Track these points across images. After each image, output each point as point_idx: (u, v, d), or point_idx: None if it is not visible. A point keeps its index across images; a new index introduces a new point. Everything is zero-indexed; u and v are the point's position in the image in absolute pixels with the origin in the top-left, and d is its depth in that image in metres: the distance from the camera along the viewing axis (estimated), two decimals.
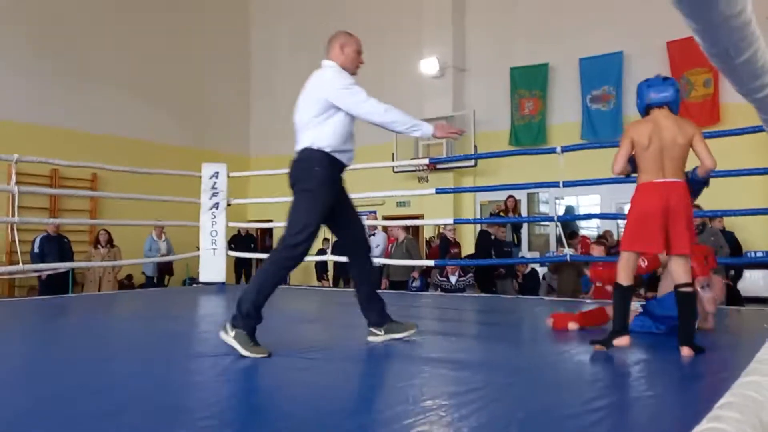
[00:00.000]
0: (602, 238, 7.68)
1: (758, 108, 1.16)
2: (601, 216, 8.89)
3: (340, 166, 3.03)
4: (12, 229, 5.70)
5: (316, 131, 2.97)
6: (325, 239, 8.87)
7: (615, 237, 9.37)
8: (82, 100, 10.78)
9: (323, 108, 2.97)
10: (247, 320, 2.78)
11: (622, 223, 9.99)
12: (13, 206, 5.58)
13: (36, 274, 8.27)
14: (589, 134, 10.02)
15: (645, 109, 3.05)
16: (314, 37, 13.30)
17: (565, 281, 6.68)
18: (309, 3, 13.52)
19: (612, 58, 9.93)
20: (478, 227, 10.82)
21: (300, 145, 3.02)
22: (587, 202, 10.42)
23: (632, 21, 9.51)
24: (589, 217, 8.81)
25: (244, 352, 2.69)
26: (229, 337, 2.75)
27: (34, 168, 8.34)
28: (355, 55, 3.16)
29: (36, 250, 8.07)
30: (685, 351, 2.72)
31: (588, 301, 5.77)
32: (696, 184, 2.89)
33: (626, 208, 10.74)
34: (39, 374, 2.44)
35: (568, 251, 5.76)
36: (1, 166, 7.12)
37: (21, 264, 5.65)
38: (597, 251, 6.81)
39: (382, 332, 3.08)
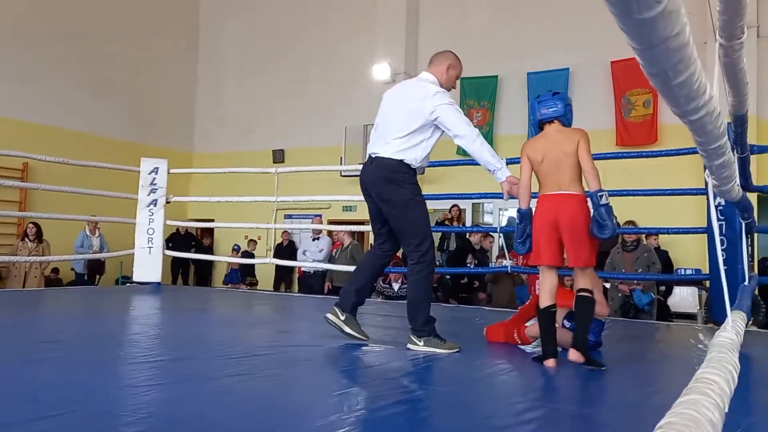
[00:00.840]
0: None
1: (693, 130, 1.18)
2: None
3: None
4: None
5: (408, 146, 3.10)
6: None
7: None
8: (16, 86, 10.26)
9: (422, 123, 3.08)
10: (429, 326, 3.06)
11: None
12: None
13: None
14: None
15: (538, 125, 3.09)
16: (264, 36, 13.21)
17: (502, 292, 6.78)
18: (262, 5, 13.34)
19: (558, 74, 10.19)
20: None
21: (385, 153, 3.11)
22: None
23: (579, 39, 9.80)
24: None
25: (443, 352, 2.96)
26: (422, 347, 3.01)
27: None
28: (454, 80, 3.31)
29: None
30: (572, 355, 2.72)
31: None
32: (596, 208, 2.77)
33: None
34: None
35: (508, 262, 5.84)
36: None
37: None
38: None
39: (343, 318, 3.18)
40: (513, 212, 10.92)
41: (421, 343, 3.03)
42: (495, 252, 9.47)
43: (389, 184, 3.09)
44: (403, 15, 11.39)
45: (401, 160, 3.09)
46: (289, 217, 11.98)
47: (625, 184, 6.38)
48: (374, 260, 3.36)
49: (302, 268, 9.43)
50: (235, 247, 11.41)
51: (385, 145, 3.13)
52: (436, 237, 10.39)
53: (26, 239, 8.59)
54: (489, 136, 10.74)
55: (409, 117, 3.11)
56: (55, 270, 9.63)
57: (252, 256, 10.74)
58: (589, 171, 2.82)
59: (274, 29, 12.99)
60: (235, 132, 12.96)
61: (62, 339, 3.29)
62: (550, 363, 2.75)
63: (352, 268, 7.57)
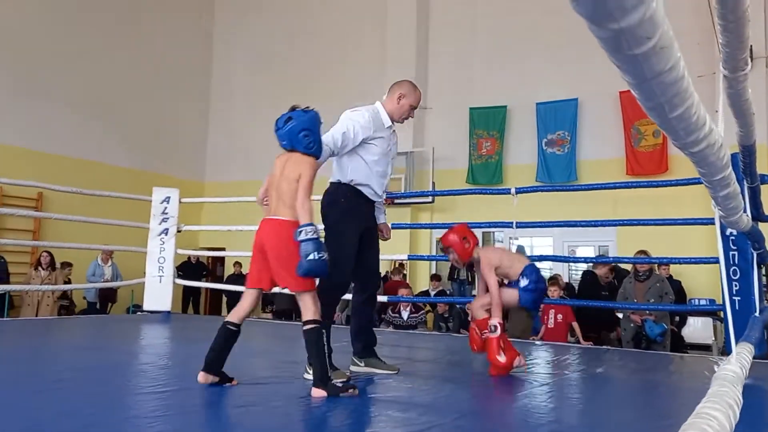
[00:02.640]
0: (552, 279, 7.78)
1: (695, 162, 1.19)
2: (552, 258, 9.03)
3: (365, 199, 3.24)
4: None
5: (337, 168, 3.24)
6: None
7: (565, 279, 9.52)
8: (31, 117, 10.46)
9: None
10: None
11: (573, 266, 10.21)
12: None
13: None
14: (543, 176, 10.25)
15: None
16: (273, 64, 13.41)
17: (515, 322, 6.71)
18: (270, 32, 13.58)
19: (567, 104, 10.25)
20: (434, 265, 10.84)
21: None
22: (540, 243, 10.60)
23: (587, 69, 9.86)
24: (540, 258, 8.94)
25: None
26: (310, 375, 2.81)
27: None
28: (408, 110, 3.34)
29: None
30: (315, 393, 2.58)
31: (538, 342, 5.81)
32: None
33: (578, 251, 10.91)
34: None
35: None
36: None
37: None
38: (554, 293, 6.90)
39: (362, 364, 3.27)
40: (523, 241, 10.93)
41: (310, 372, 2.91)
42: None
43: (327, 205, 3.24)
44: (413, 50, 11.54)
45: (338, 181, 3.22)
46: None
47: (636, 213, 6.35)
48: (355, 297, 3.39)
49: None
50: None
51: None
52: (447, 266, 10.39)
53: (39, 268, 8.66)
54: (498, 166, 10.77)
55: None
56: (68, 299, 9.67)
57: None
58: (299, 205, 2.69)
59: (284, 59, 13.20)
60: (247, 161, 13.08)
61: (71, 368, 3.29)
62: (200, 377, 2.68)
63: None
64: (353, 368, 3.27)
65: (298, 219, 2.66)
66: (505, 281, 3.51)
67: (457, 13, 11.58)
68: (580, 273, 10.20)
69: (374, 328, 3.54)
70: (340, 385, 2.62)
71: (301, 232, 2.59)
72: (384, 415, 2.42)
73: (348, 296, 3.55)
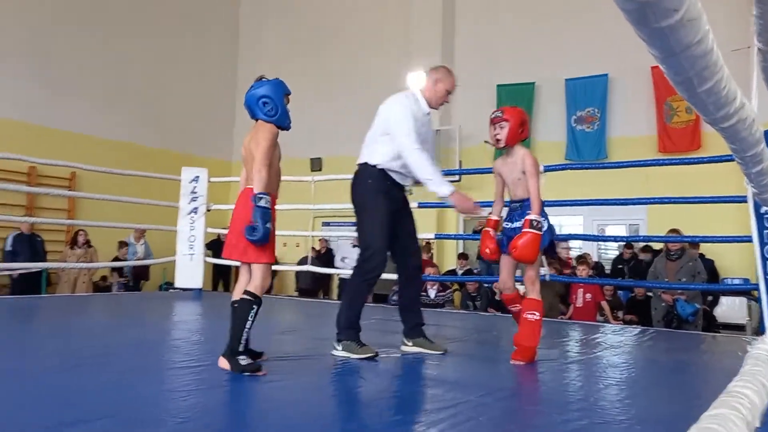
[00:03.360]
0: (582, 258, 7.71)
1: (726, 138, 1.16)
2: (581, 237, 8.94)
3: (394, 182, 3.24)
4: None
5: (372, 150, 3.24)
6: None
7: (594, 259, 9.43)
8: (64, 99, 10.64)
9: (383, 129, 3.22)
10: (349, 331, 3.06)
11: (603, 245, 10.09)
12: None
13: (8, 273, 8.11)
14: (573, 154, 10.11)
15: None
16: (302, 47, 13.39)
17: (543, 301, 6.68)
18: (298, 11, 13.53)
19: (597, 80, 10.04)
20: (461, 243, 10.84)
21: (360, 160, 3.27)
22: (569, 222, 10.48)
23: (618, 44, 9.62)
24: (569, 237, 8.85)
25: (354, 356, 2.96)
26: (339, 351, 3.03)
27: (11, 164, 8.21)
28: (444, 94, 3.32)
29: (8, 248, 7.93)
30: (220, 362, 2.59)
31: (566, 321, 5.79)
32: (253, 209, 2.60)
33: (608, 230, 10.78)
34: (3, 380, 2.36)
35: (546, 271, 5.76)
36: None
37: None
38: (582, 272, 6.85)
39: (411, 344, 3.26)
40: (552, 219, 10.80)
41: (340, 348, 3.04)
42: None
43: (355, 187, 3.27)
44: (439, 23, 11.39)
45: (366, 163, 3.23)
46: (327, 224, 12.06)
47: (668, 191, 6.24)
48: (399, 278, 3.38)
49: (340, 275, 9.48)
50: None
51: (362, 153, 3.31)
52: (474, 245, 10.36)
53: (75, 246, 8.88)
54: (527, 144, 10.62)
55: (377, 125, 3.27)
56: (103, 278, 9.92)
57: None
58: (255, 171, 2.66)
59: (311, 38, 13.16)
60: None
61: (107, 344, 3.39)
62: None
63: (393, 276, 7.60)
64: (402, 348, 3.27)
65: (262, 189, 2.63)
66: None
67: None
68: (610, 252, 10.10)
69: None
70: (244, 363, 2.53)
71: (260, 198, 2.58)
72: (411, 392, 2.45)
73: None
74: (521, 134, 3.22)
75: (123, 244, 9.44)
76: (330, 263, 10.09)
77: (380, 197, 3.17)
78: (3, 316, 4.63)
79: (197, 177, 6.69)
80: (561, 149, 10.17)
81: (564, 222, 10.54)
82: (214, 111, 13.56)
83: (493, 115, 3.25)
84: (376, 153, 3.21)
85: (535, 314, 3.08)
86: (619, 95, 9.98)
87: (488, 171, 7.74)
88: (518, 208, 3.20)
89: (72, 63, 10.82)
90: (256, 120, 2.79)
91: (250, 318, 2.58)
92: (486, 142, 3.32)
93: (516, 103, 10.75)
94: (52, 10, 10.57)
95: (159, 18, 12.35)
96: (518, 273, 3.44)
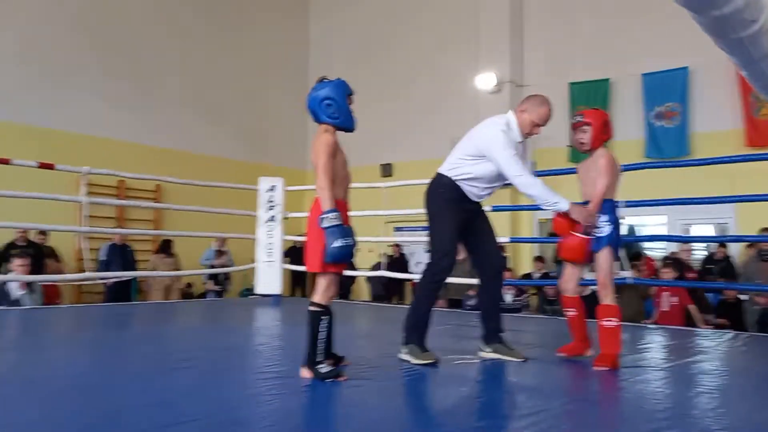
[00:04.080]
0: (668, 260, 7.39)
1: None
2: (665, 238, 8.56)
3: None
4: (81, 238, 5.97)
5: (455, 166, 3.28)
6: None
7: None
8: (147, 116, 11.21)
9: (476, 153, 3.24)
10: (413, 335, 3.08)
11: (690, 245, 9.62)
12: (82, 216, 5.83)
13: (102, 281, 8.61)
14: (653, 152, 9.71)
15: None
16: (371, 53, 13.53)
17: (626, 305, 6.45)
18: (366, 21, 13.69)
19: (676, 73, 9.61)
20: (536, 247, 10.63)
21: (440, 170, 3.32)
22: (653, 222, 10.06)
23: (697, 35, 9.15)
24: (652, 239, 8.51)
25: (414, 361, 2.98)
26: (404, 353, 3.07)
27: (101, 179, 8.72)
28: (528, 125, 3.27)
29: (102, 257, 8.41)
30: (302, 373, 2.59)
31: (651, 326, 5.56)
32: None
33: (693, 230, 10.30)
34: (99, 385, 2.52)
35: (628, 273, 5.56)
36: (70, 177, 7.47)
37: (88, 271, 5.90)
38: (667, 274, 6.56)
39: (489, 350, 3.22)
40: (632, 220, 10.43)
41: (405, 351, 3.08)
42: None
43: (428, 194, 3.30)
44: (507, 22, 11.23)
45: (444, 175, 3.26)
46: (399, 229, 12.12)
47: (757, 188, 5.89)
48: (479, 281, 3.38)
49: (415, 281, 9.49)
50: None
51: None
52: (550, 248, 10.12)
53: (162, 254, 9.33)
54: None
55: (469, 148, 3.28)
56: (188, 285, 10.37)
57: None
58: (317, 187, 2.60)
59: (378, 43, 13.28)
60: (344, 148, 13.35)
61: (195, 348, 3.55)
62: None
63: (468, 281, 7.53)
64: (480, 353, 3.25)
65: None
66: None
67: None
68: (697, 253, 9.63)
69: (477, 311, 3.51)
70: (324, 371, 2.55)
71: (324, 219, 2.55)
72: (491, 398, 2.43)
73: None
74: (605, 136, 3.18)
75: (220, 254, 9.78)
76: (404, 268, 10.10)
77: (451, 204, 3.20)
78: (99, 323, 4.93)
79: (274, 186, 6.89)
80: (640, 147, 9.79)
81: (647, 222, 10.13)
82: (287, 121, 13.92)
83: (574, 120, 3.24)
84: (458, 169, 3.24)
85: (611, 320, 3.01)
86: (700, 88, 9.51)
87: (563, 172, 7.59)
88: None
89: (156, 83, 11.40)
90: (320, 123, 2.75)
91: (321, 328, 2.61)
92: (569, 146, 3.27)
93: (590, 101, 10.46)
94: (136, 34, 11.18)
95: (231, 30, 12.81)
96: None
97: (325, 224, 2.53)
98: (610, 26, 10.30)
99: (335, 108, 2.69)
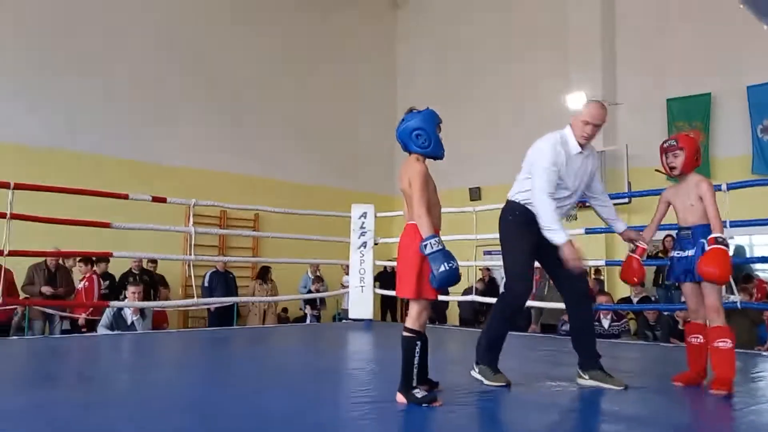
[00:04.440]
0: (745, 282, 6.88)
1: None
2: None
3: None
4: (189, 266, 6.36)
5: (520, 188, 3.31)
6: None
7: None
8: (244, 147, 11.83)
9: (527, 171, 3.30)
10: (486, 356, 3.15)
11: None
12: (189, 245, 6.23)
13: (206, 307, 9.09)
14: (761, 168, 9.13)
15: None
16: (457, 77, 13.63)
17: (737, 331, 6.05)
18: (451, 45, 13.80)
19: None
20: None
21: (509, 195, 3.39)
22: (762, 242, 9.41)
23: None
24: (763, 260, 7.94)
25: (486, 382, 3.06)
26: (476, 373, 3.15)
27: (204, 209, 9.27)
28: (582, 128, 3.22)
29: (206, 284, 8.90)
30: (398, 398, 2.59)
31: (766, 353, 5.19)
32: None
33: None
34: (204, 407, 2.66)
35: (737, 297, 5.23)
36: (177, 208, 8.00)
37: (195, 297, 6.28)
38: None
39: (587, 377, 3.15)
40: (740, 240, 9.77)
41: (477, 370, 3.15)
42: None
43: (500, 221, 3.34)
44: (598, 40, 10.99)
45: (513, 200, 3.30)
46: (488, 253, 12.00)
47: None
48: (566, 306, 3.35)
49: None
50: None
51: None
52: (650, 271, 9.65)
53: (261, 281, 9.74)
54: (705, 160, 9.79)
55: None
56: (285, 310, 10.75)
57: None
58: (415, 215, 2.63)
59: (465, 66, 13.34)
60: (433, 173, 13.43)
61: (290, 371, 3.69)
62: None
63: (561, 305, 7.34)
64: (578, 381, 3.18)
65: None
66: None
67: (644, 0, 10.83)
68: None
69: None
70: (420, 396, 2.57)
71: (426, 245, 2.56)
72: (590, 427, 2.38)
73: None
74: (696, 162, 3.20)
75: (319, 279, 10.10)
76: (494, 292, 9.97)
77: (523, 229, 3.19)
78: (205, 346, 5.22)
79: (365, 213, 7.06)
80: (746, 163, 9.23)
81: (755, 242, 9.49)
82: (376, 149, 14.24)
83: (666, 144, 3.24)
84: (522, 192, 3.26)
85: (726, 342, 2.96)
86: None
87: (658, 192, 7.27)
88: (688, 236, 3.16)
89: (252, 114, 12.04)
90: (409, 153, 2.82)
91: (416, 354, 2.64)
92: (657, 170, 3.23)
93: (691, 117, 10.02)
94: (232, 70, 11.88)
95: (323, 61, 13.31)
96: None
97: (428, 250, 2.55)
98: (708, 37, 9.86)
99: (425, 138, 2.76)
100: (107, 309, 5.98)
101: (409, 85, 14.76)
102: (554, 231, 3.06)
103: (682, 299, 9.00)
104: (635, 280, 3.28)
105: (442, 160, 2.88)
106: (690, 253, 3.11)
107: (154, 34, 10.81)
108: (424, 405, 2.56)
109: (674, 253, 3.23)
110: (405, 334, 2.69)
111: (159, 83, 10.81)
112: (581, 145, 3.21)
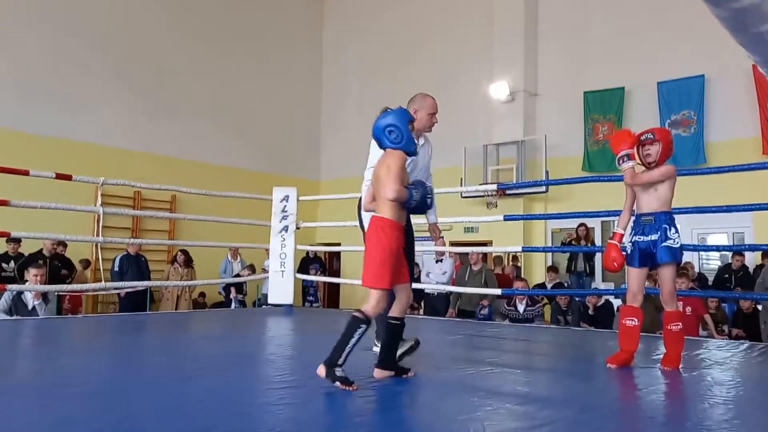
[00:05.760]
0: (683, 269, 7.31)
1: None
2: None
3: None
4: (97, 248, 6.02)
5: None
6: None
7: (696, 269, 8.92)
8: (163, 126, 11.36)
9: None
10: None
11: (705, 254, 9.53)
12: (98, 226, 5.90)
13: (116, 291, 8.69)
14: (669, 160, 9.64)
15: None
16: (383, 64, 13.61)
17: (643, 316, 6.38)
18: (377, 31, 13.77)
19: (692, 81, 9.56)
20: (550, 256, 10.57)
21: None
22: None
23: (714, 42, 9.13)
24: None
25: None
26: (376, 347, 3.24)
27: (117, 190, 8.82)
28: (427, 118, 3.46)
29: (116, 268, 8.49)
30: (319, 369, 2.62)
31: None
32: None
33: (709, 239, 10.23)
34: (114, 393, 2.53)
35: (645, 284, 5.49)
36: (88, 187, 7.57)
37: (103, 282, 5.95)
38: (682, 284, 6.48)
39: (379, 344, 3.27)
40: None
41: (378, 344, 3.26)
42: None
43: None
44: (521, 31, 11.24)
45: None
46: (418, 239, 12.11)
47: None
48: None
49: (426, 290, 9.47)
50: None
51: None
52: (564, 258, 10.05)
53: (176, 265, 9.40)
54: None
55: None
56: (202, 294, 10.43)
57: None
58: (388, 197, 2.76)
59: (391, 54, 13.34)
60: (359, 158, 13.35)
61: (208, 357, 3.56)
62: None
63: (481, 291, 7.52)
64: (374, 348, 3.34)
65: (391, 214, 2.74)
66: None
67: None
68: (712, 262, 9.52)
69: (490, 321, 3.51)
70: (338, 374, 2.60)
71: (411, 202, 2.74)
72: (503, 408, 2.41)
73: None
74: (670, 153, 3.42)
75: (251, 268, 9.81)
76: (416, 278, 10.10)
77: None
78: (114, 332, 4.96)
79: (287, 196, 6.92)
80: None
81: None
82: (301, 132, 14.03)
83: (644, 137, 3.41)
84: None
85: (678, 325, 3.27)
86: (717, 96, 9.45)
87: (577, 181, 7.56)
88: (651, 221, 3.32)
89: (171, 93, 11.55)
90: (384, 149, 2.91)
91: (356, 336, 2.67)
92: (619, 162, 3.37)
93: (605, 109, 10.44)
94: (150, 46, 11.34)
95: (249, 43, 12.96)
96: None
97: (416, 197, 2.76)
98: (625, 34, 10.28)
99: (397, 134, 2.86)
100: (5, 292, 5.57)
101: (336, 71, 14.61)
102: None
103: (593, 285, 9.42)
104: (615, 265, 3.35)
105: (414, 155, 2.99)
106: (654, 237, 3.26)
107: (71, 9, 10.16)
108: (336, 384, 2.56)
109: (635, 238, 3.34)
110: (355, 314, 2.71)
111: (73, 57, 10.18)
112: (418, 136, 3.42)
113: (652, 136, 3.37)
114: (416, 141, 3.33)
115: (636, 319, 3.31)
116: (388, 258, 2.70)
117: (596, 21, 10.75)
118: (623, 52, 10.27)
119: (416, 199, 2.76)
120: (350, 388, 2.56)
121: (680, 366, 3.25)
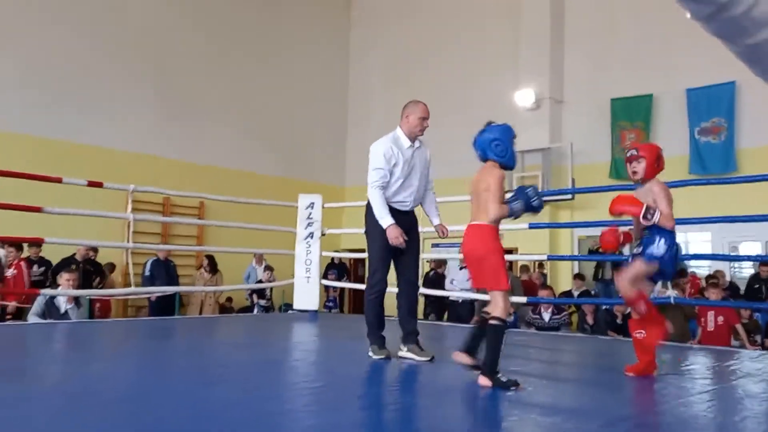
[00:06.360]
0: (713, 278, 7.18)
1: None
2: (709, 257, 8.32)
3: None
4: (127, 254, 6.14)
5: None
6: None
7: (727, 278, 8.75)
8: (192, 133, 11.53)
9: None
10: (371, 336, 3.65)
11: (736, 264, 9.34)
12: (128, 232, 6.01)
13: (146, 296, 8.83)
14: (697, 168, 9.49)
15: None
16: (408, 70, 13.63)
17: (670, 324, 6.28)
18: (403, 37, 13.78)
19: (722, 88, 9.40)
20: (576, 264, 10.45)
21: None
22: (696, 239, 9.80)
23: None
24: (697, 257, 8.28)
25: (374, 357, 3.56)
26: (370, 351, 3.62)
27: (147, 196, 8.99)
28: (418, 122, 3.72)
29: (147, 272, 8.63)
30: (481, 381, 2.79)
31: (696, 347, 5.40)
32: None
33: (740, 247, 10.03)
34: (141, 399, 2.58)
35: (671, 292, 5.42)
36: (118, 193, 7.72)
37: (133, 286, 6.07)
38: (713, 294, 6.37)
39: (405, 350, 3.58)
40: (679, 237, 10.14)
41: (371, 350, 3.60)
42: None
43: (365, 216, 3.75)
44: (547, 38, 11.17)
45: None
46: (436, 246, 12.09)
47: None
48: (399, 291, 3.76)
49: (450, 297, 9.44)
50: None
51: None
52: (590, 265, 9.94)
53: (203, 270, 9.52)
54: None
55: None
56: (229, 299, 10.54)
57: None
58: (492, 215, 2.95)
59: (417, 61, 13.35)
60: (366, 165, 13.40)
61: (232, 363, 3.61)
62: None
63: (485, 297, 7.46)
64: (399, 353, 3.56)
65: (492, 223, 2.93)
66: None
67: (594, 2, 11.07)
68: (744, 271, 9.33)
69: (515, 329, 3.52)
70: (504, 380, 2.76)
71: (513, 210, 2.97)
72: (528, 419, 2.40)
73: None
74: (658, 168, 3.36)
75: (269, 269, 9.88)
76: (441, 285, 10.07)
77: (380, 226, 3.55)
78: (144, 336, 5.05)
79: (312, 203, 6.97)
80: (684, 164, 9.58)
81: (690, 239, 9.87)
82: (326, 139, 14.12)
83: (628, 154, 3.42)
84: None
85: (641, 332, 3.30)
86: (748, 103, 9.27)
87: (604, 189, 7.48)
88: (647, 234, 3.30)
89: (199, 101, 11.73)
90: (485, 161, 3.08)
91: (502, 341, 2.85)
92: (648, 218, 3.36)
93: (632, 117, 10.33)
94: (178, 54, 11.54)
95: (273, 49, 13.06)
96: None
97: (518, 207, 2.97)
98: (653, 40, 10.16)
99: (503, 147, 3.06)
100: (39, 297, 5.71)
101: (361, 77, 14.68)
102: (382, 218, 3.54)
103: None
104: (605, 242, 3.47)
105: (513, 170, 3.25)
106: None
107: (98, 16, 10.40)
108: (512, 389, 2.73)
109: (633, 251, 3.38)
110: (492, 322, 2.88)
111: (102, 65, 10.40)
112: (412, 139, 3.70)
113: (636, 152, 3.38)
114: (407, 144, 3.68)
115: (644, 331, 3.31)
116: (500, 260, 2.92)
117: (623, 27, 10.64)
118: (651, 59, 10.14)
119: (517, 210, 2.96)
120: (520, 388, 2.75)
121: (654, 373, 3.25)
